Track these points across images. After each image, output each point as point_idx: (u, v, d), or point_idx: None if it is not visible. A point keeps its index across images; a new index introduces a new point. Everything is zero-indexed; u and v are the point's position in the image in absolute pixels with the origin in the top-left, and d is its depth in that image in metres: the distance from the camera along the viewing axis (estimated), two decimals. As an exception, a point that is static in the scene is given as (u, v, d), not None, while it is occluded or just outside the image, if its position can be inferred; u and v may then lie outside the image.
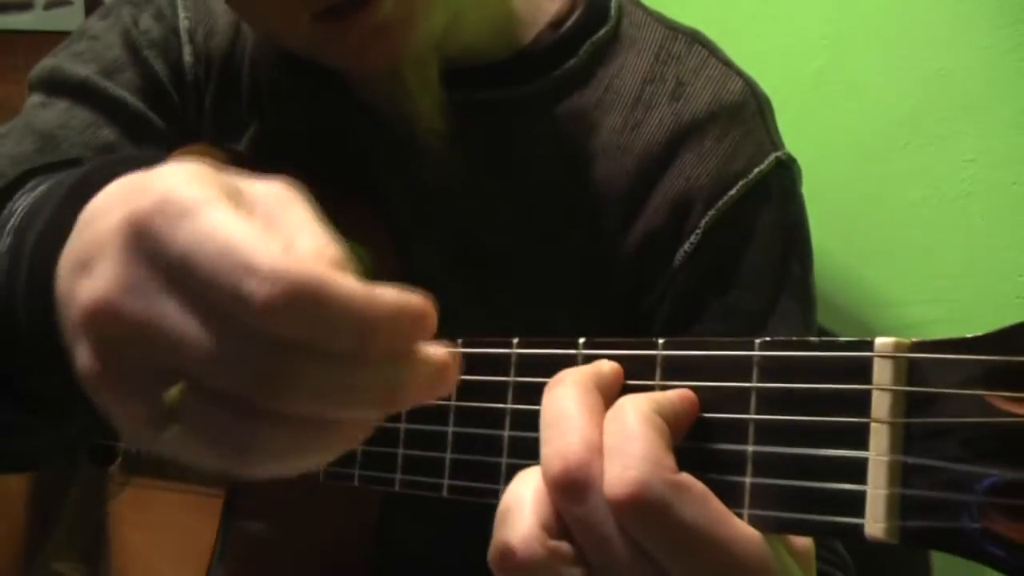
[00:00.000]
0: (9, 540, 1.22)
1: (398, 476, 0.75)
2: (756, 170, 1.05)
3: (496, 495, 0.66)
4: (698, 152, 1.05)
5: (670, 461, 0.53)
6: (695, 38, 1.10)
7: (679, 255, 1.04)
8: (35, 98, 1.17)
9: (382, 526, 1.01)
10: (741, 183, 1.04)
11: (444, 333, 0.98)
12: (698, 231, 1.03)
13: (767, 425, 0.56)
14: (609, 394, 0.59)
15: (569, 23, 1.09)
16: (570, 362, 0.64)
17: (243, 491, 0.95)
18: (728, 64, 1.09)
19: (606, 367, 0.61)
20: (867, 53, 1.53)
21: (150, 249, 0.49)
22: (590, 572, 0.55)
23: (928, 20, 1.46)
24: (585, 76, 1.08)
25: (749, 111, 1.07)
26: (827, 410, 0.54)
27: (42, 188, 0.78)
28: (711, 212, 1.03)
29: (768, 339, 0.56)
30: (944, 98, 1.44)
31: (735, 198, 1.04)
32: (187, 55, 1.18)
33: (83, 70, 1.16)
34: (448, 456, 0.71)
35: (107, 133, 1.15)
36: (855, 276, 1.51)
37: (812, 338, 0.55)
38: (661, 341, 0.61)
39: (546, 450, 0.56)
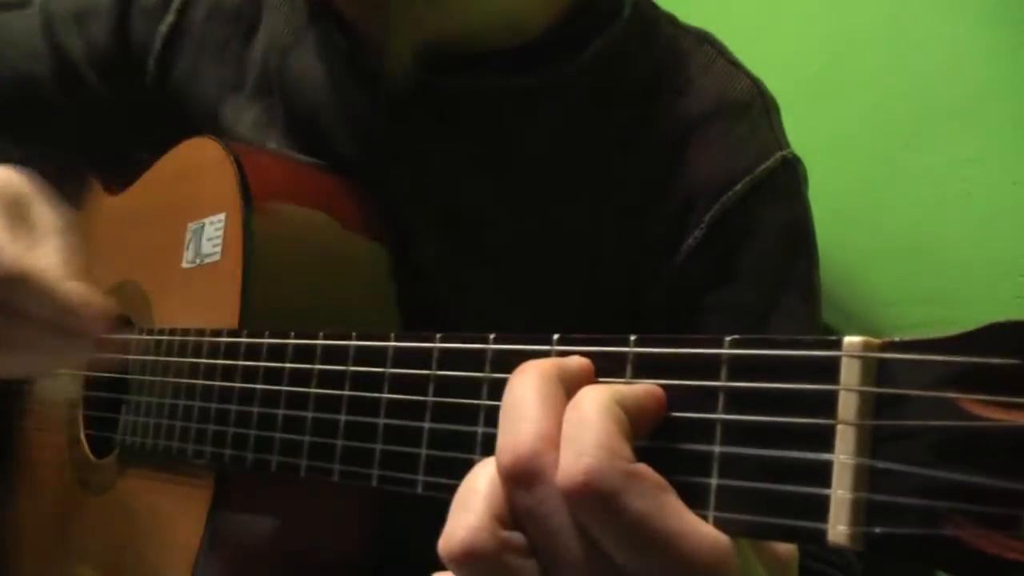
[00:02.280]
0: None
1: (375, 472, 0.74)
2: (762, 167, 1.05)
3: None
4: (704, 148, 1.05)
5: (626, 451, 0.52)
6: (704, 38, 1.11)
7: (682, 250, 1.04)
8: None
9: (369, 524, 1.01)
10: (747, 179, 1.04)
11: (444, 325, 0.99)
12: (702, 226, 1.04)
13: (734, 425, 0.54)
14: (572, 388, 0.58)
15: (581, 16, 1.08)
16: (543, 357, 0.63)
17: (230, 482, 0.94)
18: (736, 64, 1.10)
19: (573, 361, 0.60)
20: (868, 53, 1.52)
21: None
22: (540, 564, 0.54)
23: (928, 20, 1.45)
24: (593, 70, 1.08)
25: (755, 109, 1.08)
26: (794, 410, 0.52)
27: None
28: (715, 207, 1.04)
29: (738, 337, 0.55)
30: (944, 98, 1.43)
31: (740, 194, 1.04)
32: (164, 25, 1.25)
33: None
34: (424, 452, 0.70)
35: (41, 69, 1.29)
36: (855, 276, 1.50)
37: (780, 336, 0.54)
38: (633, 338, 0.59)
39: (500, 439, 0.55)
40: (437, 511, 0.92)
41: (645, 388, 0.57)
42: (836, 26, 1.56)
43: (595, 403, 0.53)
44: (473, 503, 0.55)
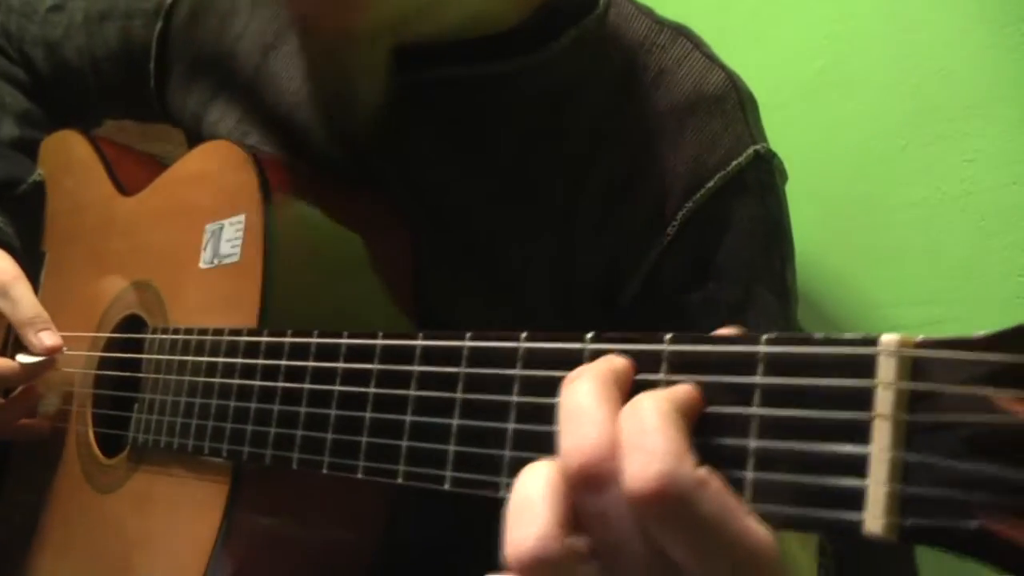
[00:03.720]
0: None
1: (401, 468, 0.75)
2: (734, 162, 1.04)
3: (496, 487, 0.66)
4: (677, 142, 1.05)
5: (692, 457, 0.53)
6: (680, 31, 1.11)
7: (656, 244, 1.04)
8: None
9: (388, 522, 1.02)
10: (719, 175, 1.04)
11: (441, 321, 1.00)
12: (675, 223, 1.03)
13: (770, 420, 0.56)
14: (624, 389, 0.59)
15: (556, 7, 1.09)
16: (576, 356, 0.64)
17: (246, 480, 0.95)
18: (711, 58, 1.09)
19: (619, 362, 0.61)
20: (867, 53, 1.53)
21: None
22: (603, 568, 0.55)
23: (928, 20, 1.46)
24: (566, 59, 1.08)
25: (729, 103, 1.07)
26: (831, 405, 0.53)
27: None
28: (688, 204, 1.04)
29: (774, 335, 0.56)
30: (944, 98, 1.44)
31: (712, 190, 1.04)
32: (156, 31, 1.32)
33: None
34: (452, 448, 0.71)
35: (83, 63, 1.39)
36: (855, 276, 1.51)
37: (818, 334, 0.55)
38: (667, 336, 0.61)
39: (565, 443, 0.56)
40: (446, 509, 0.93)
41: (688, 388, 0.58)
42: (836, 26, 1.57)
43: (657, 409, 0.55)
44: (537, 510, 0.55)
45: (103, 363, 1.20)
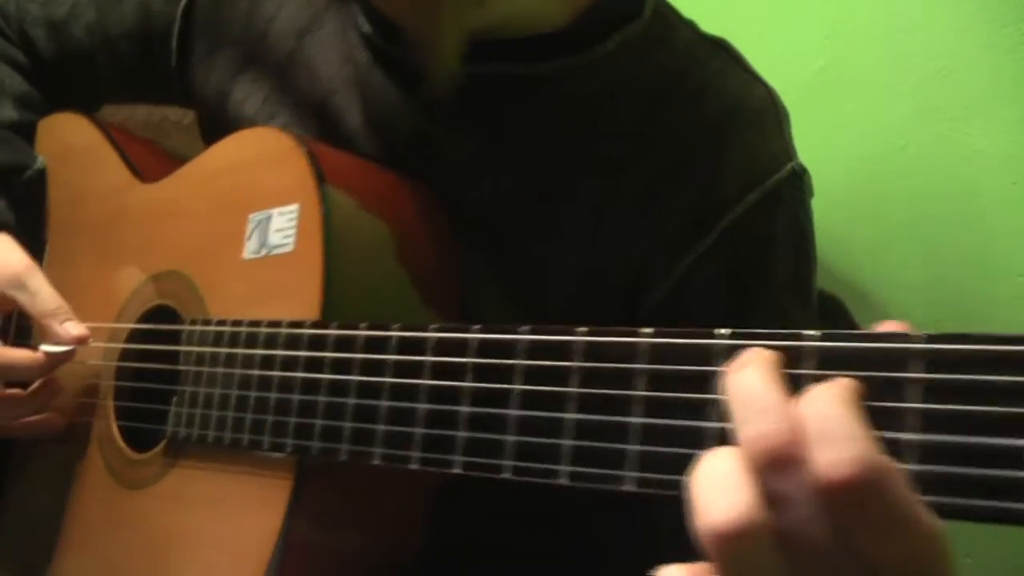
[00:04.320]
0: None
1: (509, 462, 0.74)
2: (774, 178, 1.07)
3: (619, 481, 0.66)
4: (717, 154, 1.06)
5: (875, 445, 0.53)
6: (720, 44, 1.14)
7: (691, 253, 1.05)
8: None
9: (432, 519, 1.01)
10: (758, 189, 1.06)
11: (466, 308, 0.99)
12: (712, 234, 1.05)
13: (934, 414, 0.56)
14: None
15: (601, 13, 1.09)
16: (708, 352, 0.64)
17: (309, 476, 0.93)
18: (751, 72, 1.12)
19: (774, 354, 0.60)
20: (868, 53, 1.54)
21: None
22: (787, 554, 0.55)
23: (928, 20, 1.47)
24: (611, 63, 1.09)
25: (769, 118, 1.10)
26: (997, 400, 0.54)
27: None
28: (728, 216, 1.05)
29: (934, 333, 0.57)
30: (944, 98, 1.45)
31: (750, 203, 1.05)
32: (180, 7, 1.29)
33: None
34: (568, 443, 0.70)
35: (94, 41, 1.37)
36: (855, 276, 1.52)
37: (978, 332, 0.55)
38: (813, 332, 0.61)
39: (746, 430, 0.56)
40: (482, 508, 0.93)
41: (852, 382, 0.57)
42: (836, 26, 1.57)
43: (840, 398, 0.54)
44: (732, 485, 0.55)
45: (127, 355, 1.17)
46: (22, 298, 1.16)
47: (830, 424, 0.53)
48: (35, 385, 1.17)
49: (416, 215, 1.07)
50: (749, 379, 0.57)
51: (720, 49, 1.13)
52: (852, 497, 0.52)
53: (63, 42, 1.39)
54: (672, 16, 1.15)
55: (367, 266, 1.00)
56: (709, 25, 1.17)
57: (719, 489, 0.55)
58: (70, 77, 1.41)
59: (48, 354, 1.12)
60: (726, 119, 1.08)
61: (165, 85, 1.34)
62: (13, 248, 1.20)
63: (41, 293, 1.15)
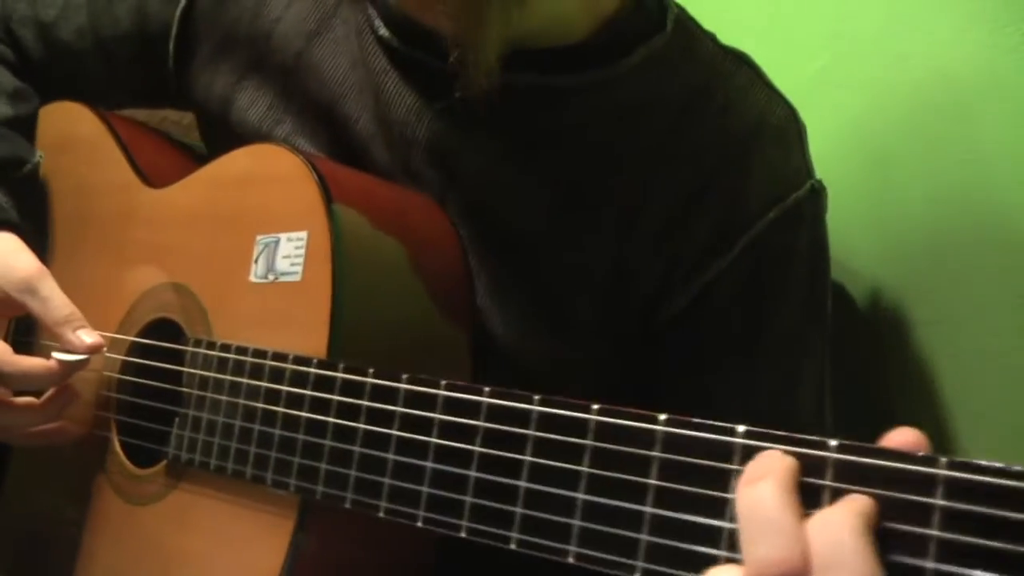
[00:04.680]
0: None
1: (515, 535, 0.74)
2: (794, 195, 1.08)
3: (632, 570, 0.66)
4: (740, 170, 1.07)
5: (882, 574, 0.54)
6: (742, 58, 1.14)
7: (712, 268, 1.06)
8: None
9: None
10: (779, 206, 1.06)
11: (480, 326, 0.99)
12: (734, 249, 1.05)
13: (951, 544, 0.56)
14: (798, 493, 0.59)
15: (624, 25, 1.09)
16: (727, 449, 0.64)
17: (313, 514, 0.93)
18: (773, 88, 1.13)
19: (794, 463, 0.61)
20: (868, 53, 1.53)
21: None
22: None
23: (928, 20, 1.46)
24: (636, 77, 1.09)
25: (791, 135, 1.10)
26: (1019, 538, 0.54)
27: None
28: (750, 232, 1.06)
29: (957, 460, 0.56)
30: (944, 98, 1.45)
31: (772, 220, 1.06)
32: (179, 9, 1.27)
33: None
34: (578, 523, 0.71)
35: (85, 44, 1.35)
36: (855, 276, 1.52)
37: (1002, 465, 0.55)
38: (834, 443, 0.60)
39: (755, 551, 0.56)
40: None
41: (869, 503, 0.58)
42: (836, 26, 1.57)
43: (852, 527, 0.54)
44: None
45: (130, 368, 1.17)
46: (33, 304, 1.13)
47: (839, 556, 0.53)
48: (49, 393, 1.14)
49: (427, 228, 1.07)
50: (762, 495, 0.57)
51: (743, 63, 1.14)
52: None
53: (51, 44, 1.37)
54: (694, 28, 1.15)
55: (382, 287, 1.00)
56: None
57: None
58: (57, 78, 1.39)
59: (62, 363, 1.10)
60: (750, 135, 1.09)
61: (160, 88, 1.33)
62: (20, 250, 1.17)
63: (53, 299, 1.12)
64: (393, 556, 1.00)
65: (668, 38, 1.11)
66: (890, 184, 1.50)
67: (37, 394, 1.15)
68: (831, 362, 1.14)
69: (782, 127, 1.10)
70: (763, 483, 0.58)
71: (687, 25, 1.14)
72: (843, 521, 0.55)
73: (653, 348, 1.09)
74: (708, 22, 1.17)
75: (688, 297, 1.07)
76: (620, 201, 1.08)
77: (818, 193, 1.11)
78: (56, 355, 1.10)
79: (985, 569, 0.54)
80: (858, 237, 1.52)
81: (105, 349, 1.14)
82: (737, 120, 1.09)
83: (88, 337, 1.11)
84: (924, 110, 1.46)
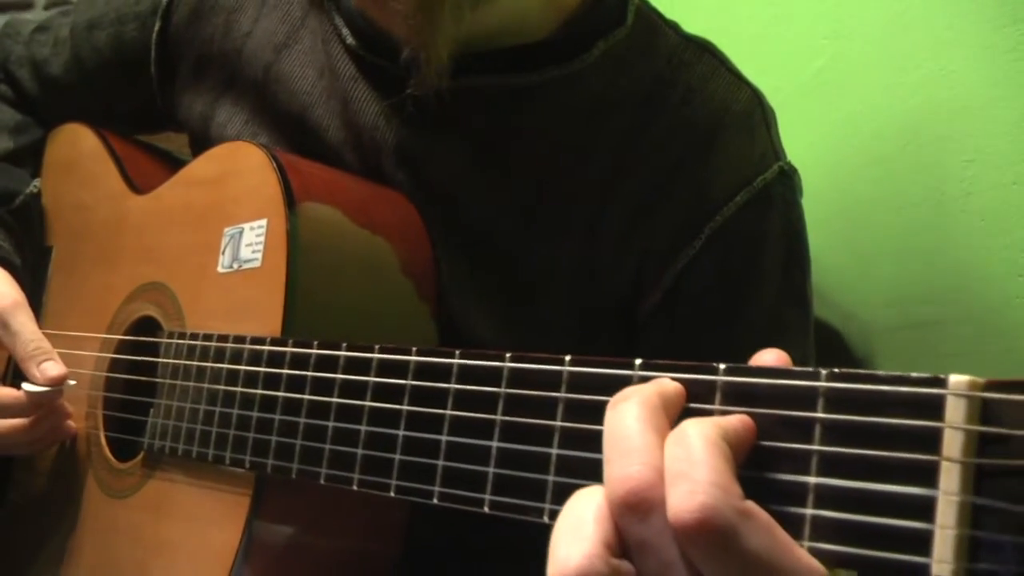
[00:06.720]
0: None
1: (436, 488, 0.75)
2: (760, 178, 1.07)
3: (540, 513, 0.66)
4: (704, 158, 1.07)
5: (737, 488, 0.53)
6: (705, 48, 1.13)
7: (681, 257, 1.05)
8: None
9: (408, 529, 1.02)
10: (745, 190, 1.06)
11: (457, 327, 0.99)
12: (701, 237, 1.05)
13: (832, 457, 0.55)
14: (672, 415, 0.59)
15: (584, 21, 1.09)
16: (625, 382, 0.64)
17: (269, 492, 0.94)
18: (736, 74, 1.12)
19: (669, 387, 0.61)
20: (867, 53, 1.53)
21: None
22: None
23: (928, 20, 1.46)
24: (595, 72, 1.09)
25: (755, 120, 1.10)
26: (895, 445, 0.53)
27: None
28: (716, 218, 1.05)
29: (836, 370, 0.56)
30: (944, 98, 1.44)
31: (738, 204, 1.06)
32: (155, 32, 1.30)
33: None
34: (492, 471, 0.71)
35: (71, 77, 1.40)
36: (855, 276, 1.51)
37: (881, 372, 0.55)
38: (722, 366, 0.60)
39: (610, 470, 0.56)
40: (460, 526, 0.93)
41: (741, 419, 0.57)
42: (836, 25, 1.57)
43: (703, 438, 0.54)
44: (584, 531, 0.55)
45: (115, 365, 1.19)
46: (4, 337, 1.17)
47: (685, 466, 0.53)
48: (34, 417, 1.17)
49: (407, 226, 1.08)
50: (622, 415, 0.57)
51: (705, 52, 1.13)
52: (701, 542, 0.52)
53: (44, 81, 1.42)
54: (656, 20, 1.15)
55: (334, 282, 1.01)
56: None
57: (570, 535, 0.56)
58: (56, 113, 1.44)
59: (29, 394, 1.14)
60: (713, 123, 1.09)
61: (152, 112, 1.36)
62: (2, 282, 1.21)
63: (22, 334, 1.16)
64: (362, 528, 1.01)
65: (628, 31, 1.11)
66: (889, 184, 1.49)
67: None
68: (814, 346, 1.13)
69: (746, 112, 1.10)
70: (624, 404, 0.58)
71: (649, 17, 1.14)
72: (697, 433, 0.54)
73: (633, 344, 1.09)
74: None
75: (662, 289, 1.07)
76: (587, 199, 1.08)
77: (788, 175, 1.10)
78: (25, 386, 1.14)
79: (865, 480, 0.54)
80: (857, 236, 1.51)
81: (71, 382, 1.17)
82: (699, 109, 1.09)
83: (51, 370, 1.14)
84: (924, 110, 1.46)
